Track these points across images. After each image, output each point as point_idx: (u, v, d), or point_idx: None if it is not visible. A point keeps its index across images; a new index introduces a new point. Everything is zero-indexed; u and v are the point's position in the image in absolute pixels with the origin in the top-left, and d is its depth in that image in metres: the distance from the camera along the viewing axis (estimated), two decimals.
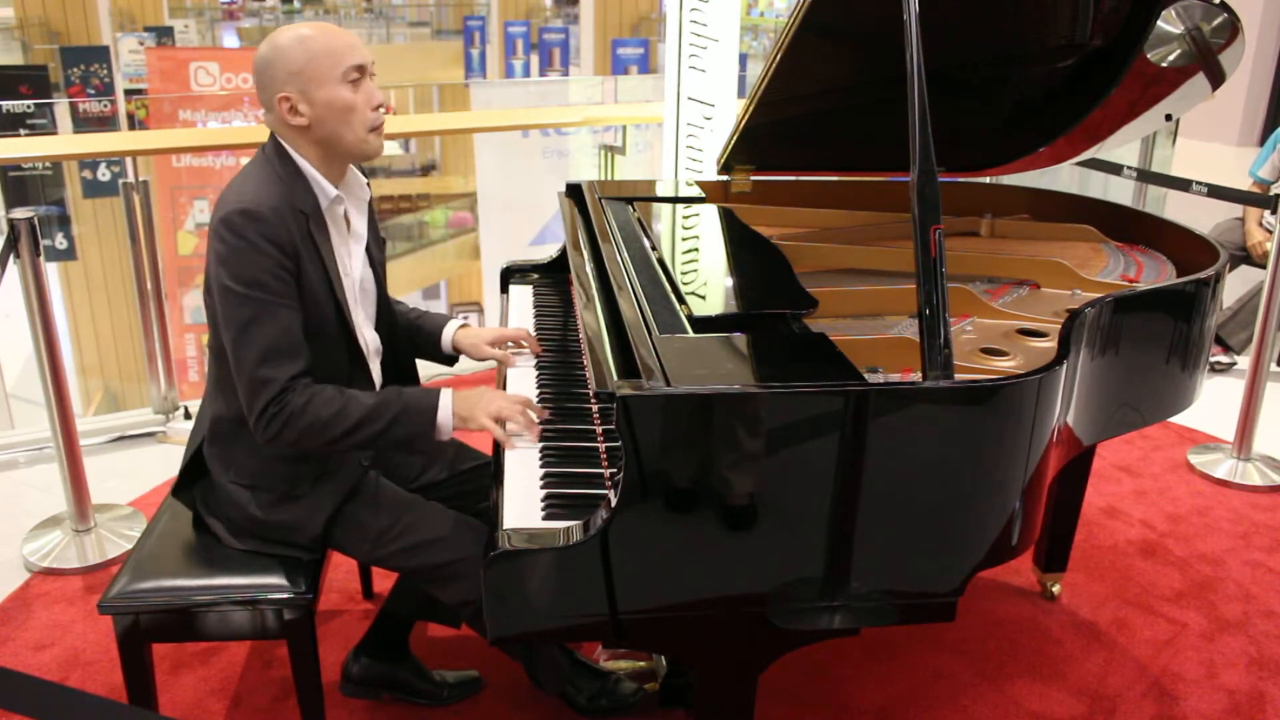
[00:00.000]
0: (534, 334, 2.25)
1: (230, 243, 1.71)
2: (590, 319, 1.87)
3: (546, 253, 2.68)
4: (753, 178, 2.76)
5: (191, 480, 1.96)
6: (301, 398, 1.72)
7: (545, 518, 1.59)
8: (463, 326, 2.19)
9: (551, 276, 2.65)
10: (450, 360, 2.21)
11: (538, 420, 1.83)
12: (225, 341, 1.75)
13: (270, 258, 1.72)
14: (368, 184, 1.98)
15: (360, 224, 1.95)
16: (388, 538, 1.87)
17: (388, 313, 2.06)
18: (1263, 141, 4.68)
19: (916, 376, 1.62)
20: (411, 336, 2.18)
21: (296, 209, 1.78)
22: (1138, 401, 2.13)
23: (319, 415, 1.72)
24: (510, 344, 2.19)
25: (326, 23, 1.82)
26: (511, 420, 1.79)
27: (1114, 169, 4.22)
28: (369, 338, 1.98)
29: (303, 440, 1.74)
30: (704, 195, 2.63)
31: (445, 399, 1.78)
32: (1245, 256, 4.36)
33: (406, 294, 6.05)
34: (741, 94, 3.78)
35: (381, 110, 1.83)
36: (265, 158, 1.82)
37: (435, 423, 1.77)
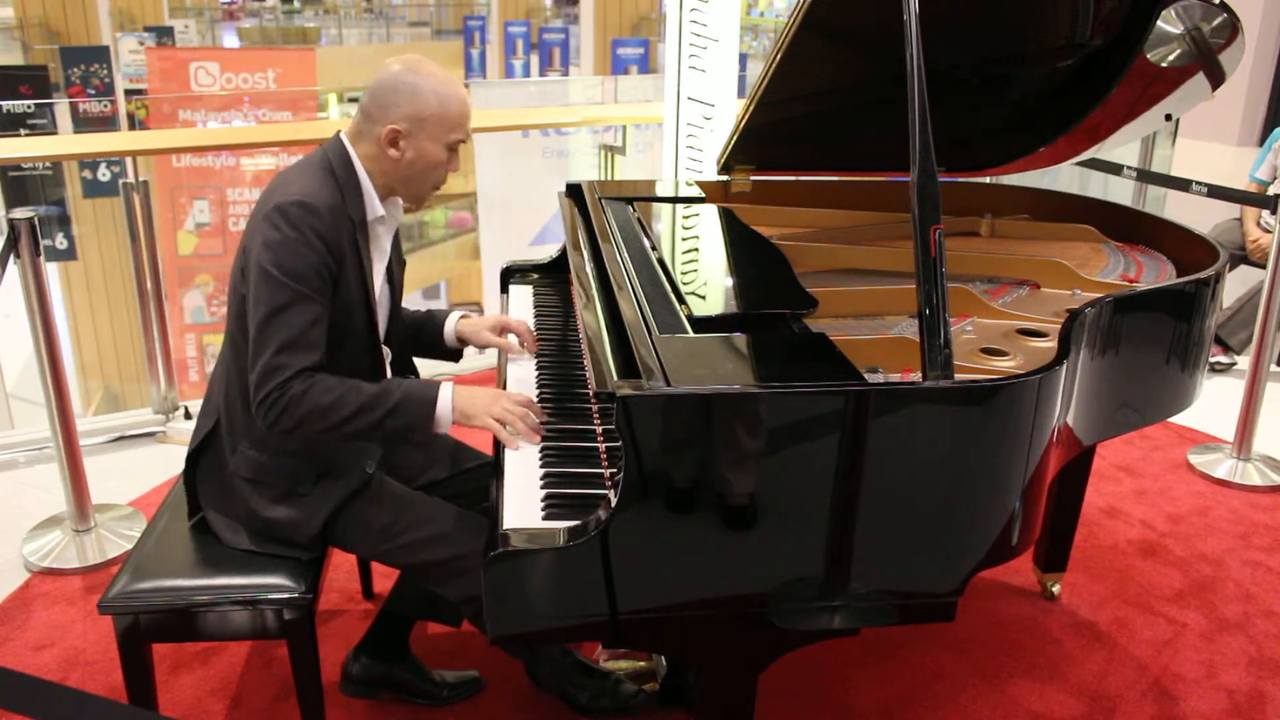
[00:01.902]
0: (534, 333, 2.26)
1: (283, 231, 1.74)
2: (590, 319, 1.87)
3: (546, 253, 2.68)
4: (753, 178, 2.76)
5: (196, 468, 1.96)
6: (302, 385, 1.74)
7: (545, 518, 1.59)
8: (463, 318, 2.21)
9: (551, 276, 2.65)
10: (454, 355, 2.23)
11: (539, 421, 1.84)
12: (251, 322, 1.76)
13: (317, 254, 1.76)
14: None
15: (388, 243, 2.00)
16: (390, 534, 1.88)
17: (399, 332, 2.09)
18: (1262, 142, 4.68)
19: (916, 376, 1.62)
20: (414, 334, 2.21)
21: (347, 214, 1.82)
22: (1138, 401, 2.13)
23: (317, 402, 1.73)
24: (512, 336, 2.21)
25: (460, 84, 1.86)
26: (513, 424, 1.79)
27: (1114, 169, 4.22)
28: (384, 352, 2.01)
29: (302, 426, 1.75)
30: (704, 195, 2.63)
31: (445, 391, 1.80)
32: (1244, 256, 4.36)
33: (407, 294, 6.05)
34: (741, 94, 3.78)
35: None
36: (325, 158, 1.85)
37: (434, 415, 1.78)
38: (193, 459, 1.97)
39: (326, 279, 1.78)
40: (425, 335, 2.21)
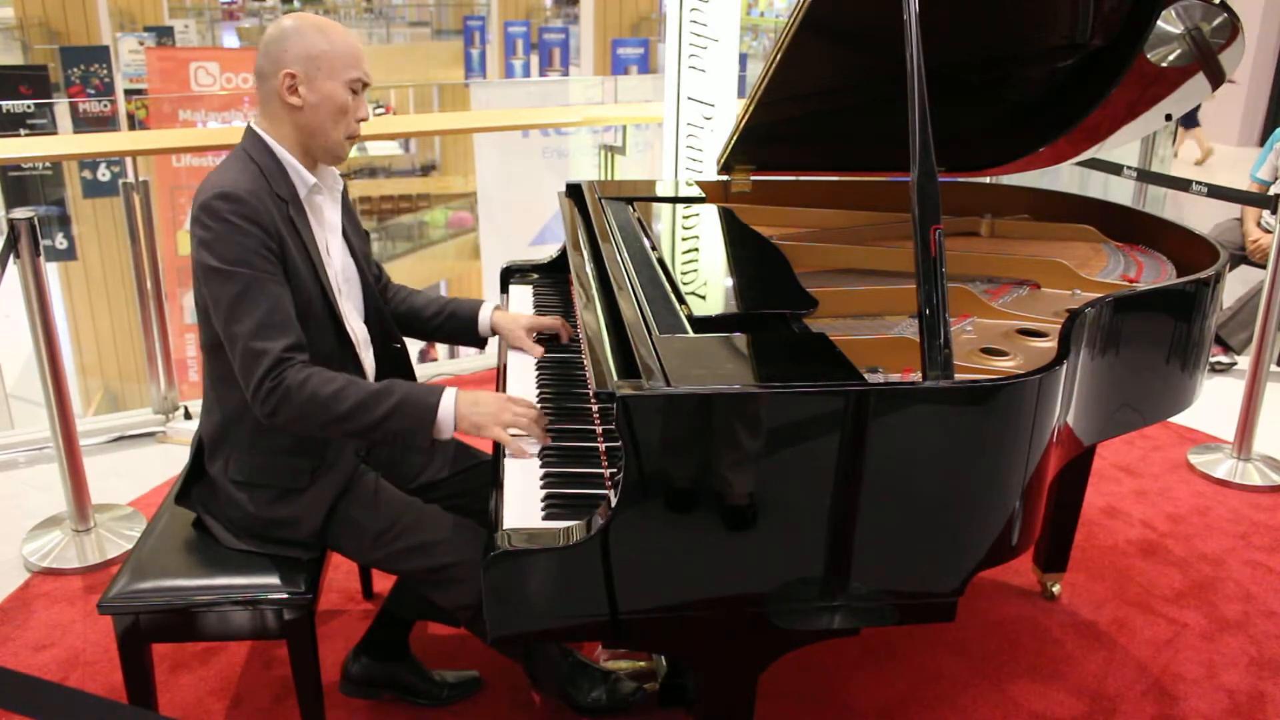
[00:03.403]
0: (536, 334, 2.27)
1: (213, 227, 1.73)
2: (590, 319, 1.87)
3: (546, 253, 2.68)
4: (753, 178, 2.76)
5: (192, 484, 1.96)
6: (300, 374, 1.72)
7: (545, 518, 1.59)
8: (496, 308, 2.25)
9: (551, 276, 2.65)
10: (483, 343, 2.27)
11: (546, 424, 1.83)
12: (217, 324, 1.75)
13: (254, 237, 1.74)
14: (340, 175, 2.01)
15: (334, 215, 1.97)
16: (385, 539, 1.87)
17: (375, 306, 2.06)
18: (1263, 142, 4.68)
19: (916, 376, 1.62)
20: (444, 323, 2.23)
21: (276, 195, 1.81)
22: (1138, 401, 2.13)
23: (318, 393, 1.71)
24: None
25: (337, 24, 1.86)
26: (525, 428, 1.78)
27: (1114, 169, 4.22)
28: (357, 328, 1.98)
29: (301, 418, 1.73)
30: (704, 195, 2.63)
31: (447, 398, 1.77)
32: (1244, 256, 4.36)
33: None
34: (741, 94, 3.78)
35: (361, 124, 1.89)
36: (242, 150, 1.85)
37: (435, 420, 1.76)
38: (188, 481, 1.96)
39: (272, 260, 1.76)
40: (456, 324, 2.23)
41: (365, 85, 1.87)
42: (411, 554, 1.86)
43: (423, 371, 3.96)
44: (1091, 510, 3.12)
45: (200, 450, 1.94)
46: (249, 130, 1.86)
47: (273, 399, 1.71)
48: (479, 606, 1.51)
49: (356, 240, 2.03)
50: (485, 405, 1.78)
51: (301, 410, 1.72)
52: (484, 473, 2.10)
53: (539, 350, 2.19)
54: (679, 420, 1.44)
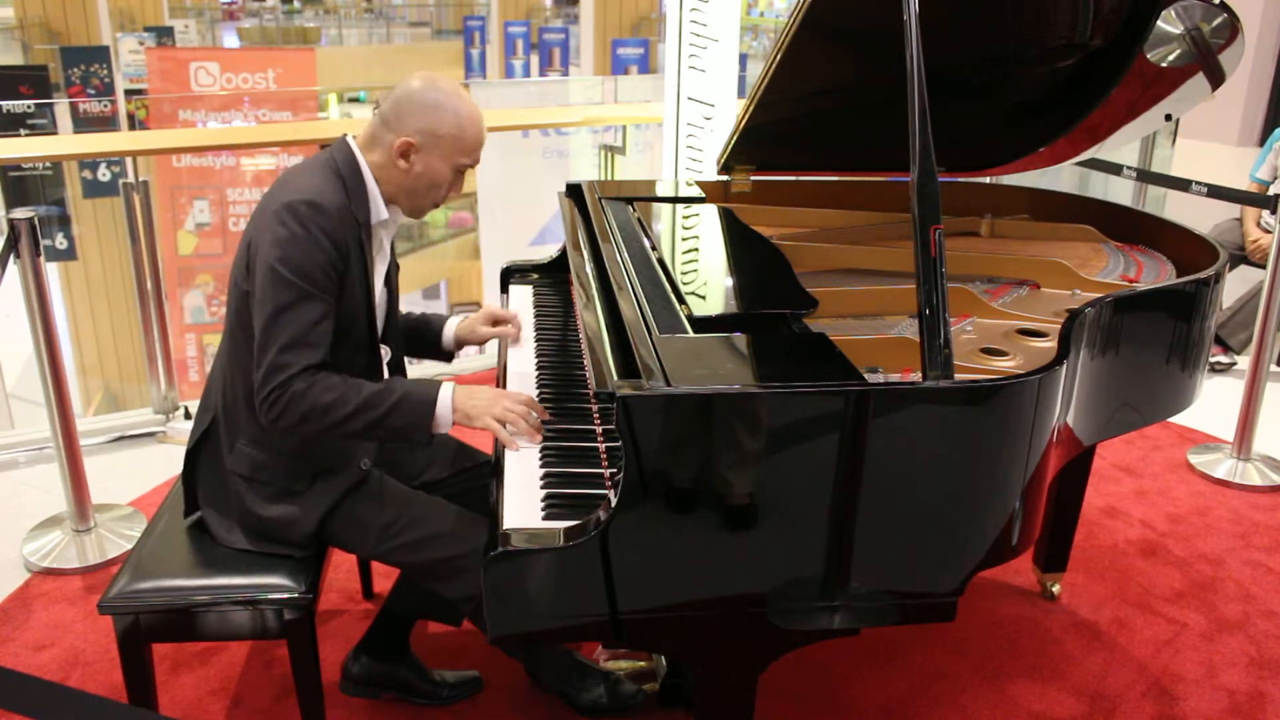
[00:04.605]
0: (534, 332, 2.28)
1: (292, 228, 1.75)
2: (590, 319, 1.87)
3: (546, 253, 2.68)
4: (753, 178, 2.76)
5: (194, 465, 1.97)
6: (305, 383, 1.74)
7: (545, 518, 1.59)
8: (459, 322, 2.26)
9: (551, 276, 2.65)
10: (449, 357, 2.28)
11: (540, 420, 1.84)
12: (257, 319, 1.77)
13: (325, 252, 1.77)
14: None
15: (388, 245, 2.01)
16: (390, 533, 1.88)
17: (396, 332, 2.10)
18: (1263, 142, 4.68)
19: (916, 376, 1.62)
20: (414, 337, 2.24)
21: (353, 215, 1.83)
22: (1138, 401, 2.13)
23: (319, 400, 1.74)
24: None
25: (478, 107, 1.88)
26: (514, 423, 1.80)
27: (1114, 169, 4.22)
28: (385, 350, 2.02)
29: (303, 423, 1.75)
30: (704, 195, 2.63)
31: (445, 392, 1.80)
32: (1244, 256, 4.36)
33: (407, 294, 6.03)
34: (741, 94, 3.78)
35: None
36: (331, 160, 1.86)
37: (434, 414, 1.79)
38: (191, 456, 1.97)
39: (332, 278, 1.79)
40: (425, 342, 2.25)
41: (471, 168, 1.89)
42: (416, 546, 1.87)
43: (421, 371, 3.96)
44: (1091, 510, 3.12)
45: (206, 431, 1.94)
46: (344, 144, 1.88)
47: (277, 407, 1.74)
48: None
49: (394, 272, 2.08)
50: (480, 398, 1.81)
51: (303, 417, 1.75)
52: (484, 472, 2.11)
53: (513, 332, 2.25)
54: (679, 420, 1.44)
